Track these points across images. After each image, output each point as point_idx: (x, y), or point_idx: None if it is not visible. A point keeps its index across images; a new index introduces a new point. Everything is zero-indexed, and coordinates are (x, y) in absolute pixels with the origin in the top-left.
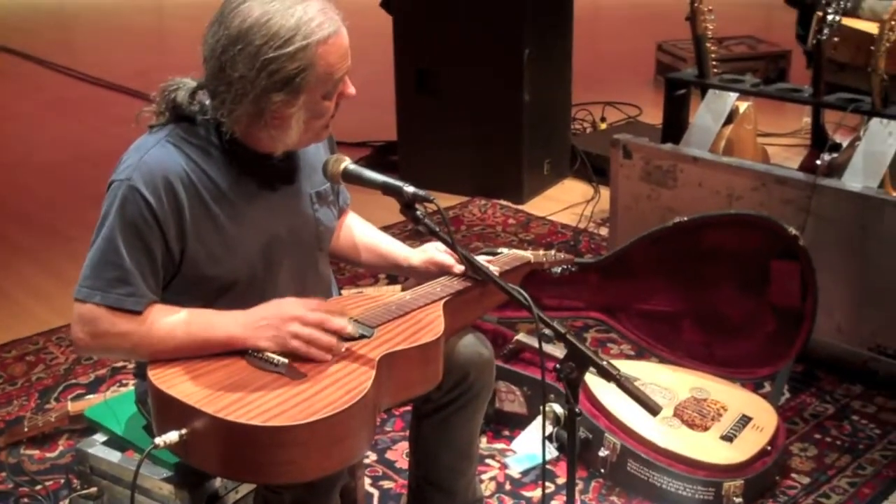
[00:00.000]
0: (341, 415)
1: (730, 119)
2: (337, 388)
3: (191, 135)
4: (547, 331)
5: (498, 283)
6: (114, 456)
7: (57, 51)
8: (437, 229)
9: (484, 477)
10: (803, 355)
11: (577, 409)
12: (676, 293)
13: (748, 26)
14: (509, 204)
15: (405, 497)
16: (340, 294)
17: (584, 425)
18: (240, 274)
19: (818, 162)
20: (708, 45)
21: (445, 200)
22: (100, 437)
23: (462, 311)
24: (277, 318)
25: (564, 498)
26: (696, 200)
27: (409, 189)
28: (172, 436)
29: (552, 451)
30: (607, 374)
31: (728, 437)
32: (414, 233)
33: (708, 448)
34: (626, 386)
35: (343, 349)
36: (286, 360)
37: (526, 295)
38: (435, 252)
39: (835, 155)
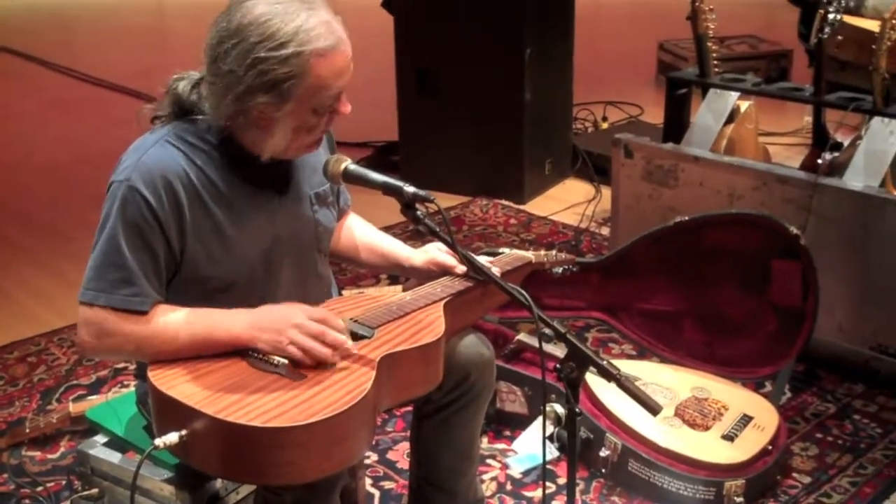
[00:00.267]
0: (341, 416)
1: (731, 118)
2: (337, 389)
3: (190, 134)
4: (547, 331)
5: (498, 283)
6: (115, 457)
7: (58, 51)
8: (438, 229)
9: (485, 477)
10: (804, 355)
11: (577, 409)
12: (677, 293)
13: (749, 25)
14: (511, 204)
15: (406, 497)
16: (341, 294)
17: (585, 425)
18: (239, 275)
19: (819, 161)
20: (709, 44)
21: (447, 200)
22: (101, 439)
23: (463, 312)
24: (279, 322)
25: (565, 498)
26: (697, 200)
27: (410, 189)
28: (172, 437)
29: (553, 452)
30: (607, 374)
31: (729, 437)
32: (415, 233)
33: (709, 448)
34: (626, 386)
35: (336, 361)
36: (286, 361)
37: (526, 295)
38: (436, 252)
39: (836, 154)
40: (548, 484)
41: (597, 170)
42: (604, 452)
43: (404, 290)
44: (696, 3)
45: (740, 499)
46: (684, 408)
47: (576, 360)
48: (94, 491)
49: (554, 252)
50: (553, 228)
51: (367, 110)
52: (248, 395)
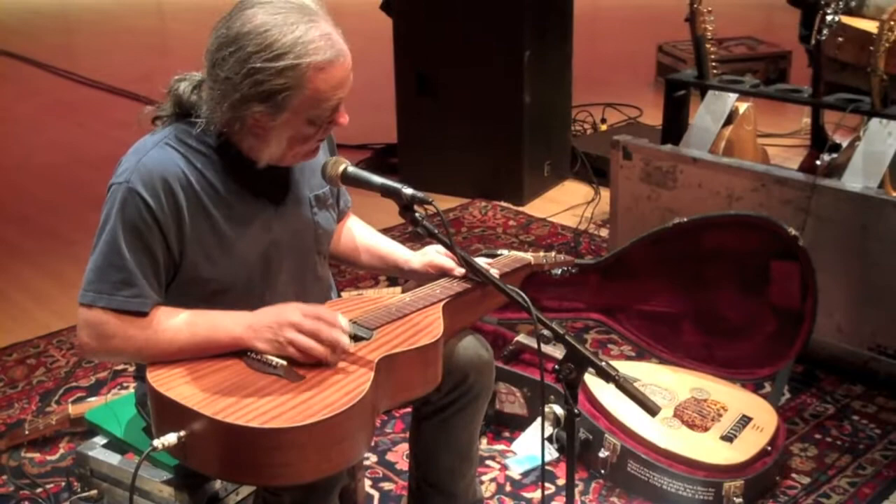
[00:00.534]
0: (339, 417)
1: (729, 120)
2: (335, 391)
3: (190, 137)
4: (546, 332)
5: (497, 285)
6: (114, 458)
7: (57, 54)
8: (436, 231)
9: (484, 478)
10: (803, 356)
11: (576, 410)
12: (676, 294)
13: (748, 27)
14: (510, 205)
15: (405, 499)
16: (340, 296)
17: (584, 426)
18: (238, 277)
19: (818, 162)
20: (707, 46)
21: (446, 202)
22: (100, 440)
23: (462, 313)
24: (276, 322)
25: (564, 499)
26: (695, 201)
27: (408, 191)
28: (171, 438)
29: (552, 453)
30: (606, 375)
31: (728, 438)
32: (413, 235)
33: (708, 448)
34: (624, 386)
35: (335, 361)
36: (285, 362)
37: (525, 296)
38: (435, 254)
39: (834, 155)
40: (547, 485)
41: (596, 171)
42: (603, 453)
43: (403, 291)
44: (695, 5)
45: (739, 499)
46: (683, 409)
47: (574, 362)
48: (94, 492)
49: (553, 253)
50: (552, 230)
51: (366, 112)
52: (246, 396)
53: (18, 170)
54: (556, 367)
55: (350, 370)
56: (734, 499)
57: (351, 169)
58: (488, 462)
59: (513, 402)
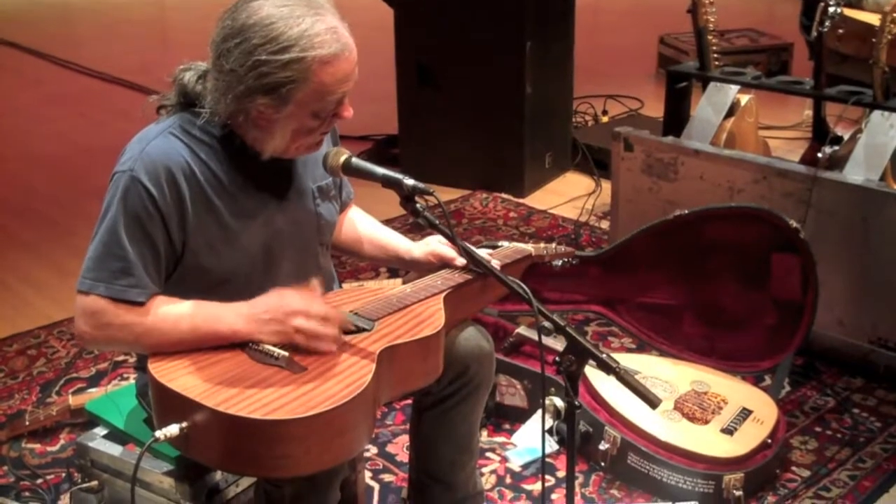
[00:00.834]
0: (341, 408)
1: (731, 112)
2: (337, 382)
3: (194, 126)
4: (547, 324)
5: (498, 276)
6: (115, 449)
7: (58, 44)
8: (437, 222)
9: (484, 470)
10: (804, 348)
11: (576, 403)
12: (677, 286)
13: (750, 19)
14: (510, 197)
15: (405, 490)
16: (341, 287)
17: (584, 419)
18: (240, 267)
19: (819, 155)
20: (709, 37)
21: (447, 194)
22: (101, 431)
23: (463, 305)
24: (281, 311)
25: (564, 491)
26: (697, 193)
27: (409, 182)
28: (173, 429)
29: (553, 445)
30: (606, 367)
31: (728, 431)
32: (414, 226)
33: (708, 441)
34: (625, 379)
35: (342, 342)
36: (286, 354)
37: (525, 288)
38: (436, 245)
39: (836, 148)
40: (547, 477)
41: (597, 163)
42: (603, 446)
43: (404, 282)
44: None
45: (739, 492)
46: (684, 401)
47: (575, 354)
48: (94, 483)
49: (553, 245)
50: (553, 222)
51: (368, 104)
52: (248, 387)
53: (19, 160)
54: (557, 359)
55: (352, 362)
56: (734, 491)
57: (352, 160)
58: (488, 454)
59: (513, 394)
